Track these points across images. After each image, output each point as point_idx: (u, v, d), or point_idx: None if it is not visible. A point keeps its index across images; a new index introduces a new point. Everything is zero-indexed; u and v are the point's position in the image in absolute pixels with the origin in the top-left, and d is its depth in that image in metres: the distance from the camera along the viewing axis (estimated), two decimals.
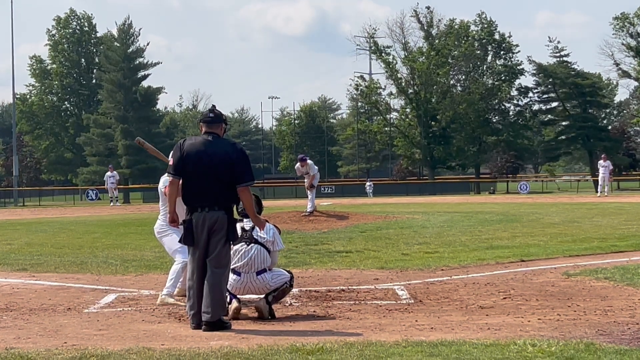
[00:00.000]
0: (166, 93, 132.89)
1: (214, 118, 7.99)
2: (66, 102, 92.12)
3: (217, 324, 7.67)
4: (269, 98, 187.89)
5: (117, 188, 48.36)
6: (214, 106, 8.18)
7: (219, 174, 7.72)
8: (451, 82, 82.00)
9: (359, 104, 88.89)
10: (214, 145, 7.83)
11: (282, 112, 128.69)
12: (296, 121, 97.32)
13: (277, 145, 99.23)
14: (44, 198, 71.54)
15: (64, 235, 20.81)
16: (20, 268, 13.69)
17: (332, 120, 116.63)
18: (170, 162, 7.95)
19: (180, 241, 8.01)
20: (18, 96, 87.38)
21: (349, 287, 10.57)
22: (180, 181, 7.88)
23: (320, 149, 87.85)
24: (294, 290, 9.88)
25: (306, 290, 10.29)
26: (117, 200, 48.22)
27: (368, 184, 67.12)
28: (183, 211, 8.10)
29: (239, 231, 8.44)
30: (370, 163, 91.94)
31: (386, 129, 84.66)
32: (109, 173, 47.90)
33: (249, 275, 8.42)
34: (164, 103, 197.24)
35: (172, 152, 8.00)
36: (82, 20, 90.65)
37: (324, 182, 72.68)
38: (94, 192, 64.25)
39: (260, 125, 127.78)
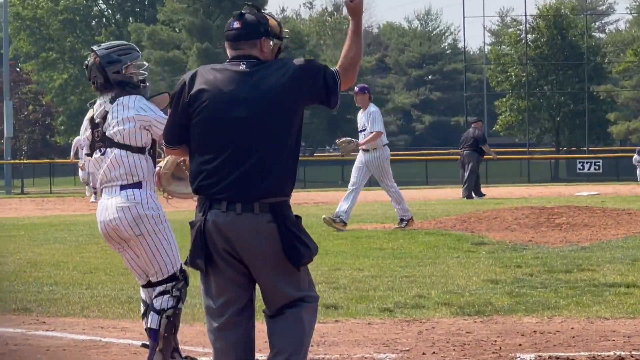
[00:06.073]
0: None
1: (240, 29, 4.65)
2: (99, 1, 60.65)
3: None
4: None
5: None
6: (248, 5, 4.79)
7: (267, 131, 4.51)
8: None
9: None
10: (253, 77, 4.56)
11: (501, 18, 73.31)
12: (529, 35, 51.99)
13: (493, 85, 56.00)
14: (58, 179, 44.65)
15: (96, 248, 13.94)
16: (20, 307, 9.36)
17: (598, 35, 67.48)
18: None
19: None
20: None
21: (634, 352, 7.04)
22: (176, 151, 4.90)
23: (578, 88, 51.13)
24: (526, 356, 6.72)
25: (548, 357, 7.03)
26: (88, 190, 25.84)
27: (637, 157, 38.11)
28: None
29: None
30: None
31: None
32: (80, 138, 21.41)
33: None
34: (278, 3, 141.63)
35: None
36: None
37: (583, 155, 46.47)
38: None
39: (462, 44, 77.64)
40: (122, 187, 5.96)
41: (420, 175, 42.34)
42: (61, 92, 59.02)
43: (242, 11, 4.73)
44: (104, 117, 6.02)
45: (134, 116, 5.95)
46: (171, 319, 6.04)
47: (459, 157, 25.10)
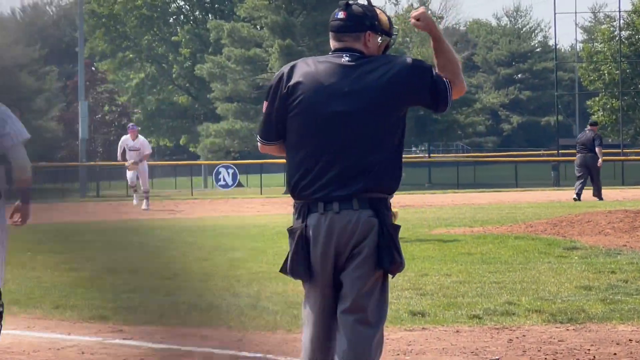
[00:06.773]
0: None
1: (345, 20, 4.30)
2: None
3: None
4: None
5: (141, 170, 23.77)
6: None
7: (367, 127, 4.19)
8: None
9: None
10: (356, 70, 4.24)
11: (594, 14, 75.10)
12: (623, 32, 49.93)
13: (585, 84, 53.50)
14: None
15: (175, 253, 14.10)
16: (96, 315, 8.88)
17: None
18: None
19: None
20: None
21: None
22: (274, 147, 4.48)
23: None
24: None
25: None
26: (137, 197, 24.75)
27: None
28: None
29: None
30: None
31: None
32: (127, 137, 23.90)
33: None
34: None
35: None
36: None
37: None
38: (230, 170, 38.79)
39: (552, 42, 79.03)
40: None
41: (510, 177, 40.80)
42: (138, 92, 56.87)
43: (350, 1, 4.36)
44: None
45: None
46: (1, 330, 5.60)
47: (568, 158, 24.82)
